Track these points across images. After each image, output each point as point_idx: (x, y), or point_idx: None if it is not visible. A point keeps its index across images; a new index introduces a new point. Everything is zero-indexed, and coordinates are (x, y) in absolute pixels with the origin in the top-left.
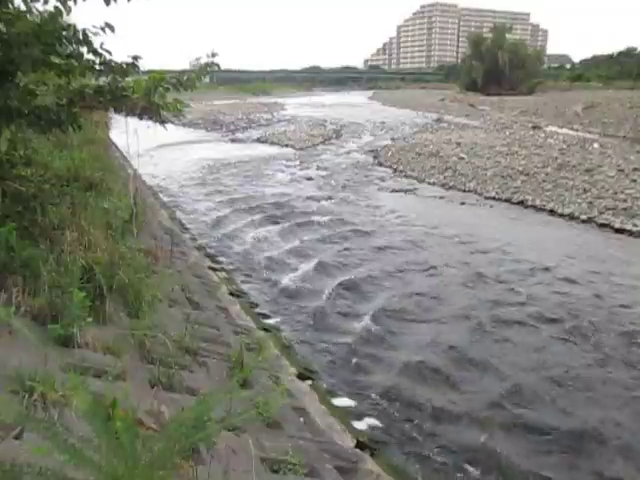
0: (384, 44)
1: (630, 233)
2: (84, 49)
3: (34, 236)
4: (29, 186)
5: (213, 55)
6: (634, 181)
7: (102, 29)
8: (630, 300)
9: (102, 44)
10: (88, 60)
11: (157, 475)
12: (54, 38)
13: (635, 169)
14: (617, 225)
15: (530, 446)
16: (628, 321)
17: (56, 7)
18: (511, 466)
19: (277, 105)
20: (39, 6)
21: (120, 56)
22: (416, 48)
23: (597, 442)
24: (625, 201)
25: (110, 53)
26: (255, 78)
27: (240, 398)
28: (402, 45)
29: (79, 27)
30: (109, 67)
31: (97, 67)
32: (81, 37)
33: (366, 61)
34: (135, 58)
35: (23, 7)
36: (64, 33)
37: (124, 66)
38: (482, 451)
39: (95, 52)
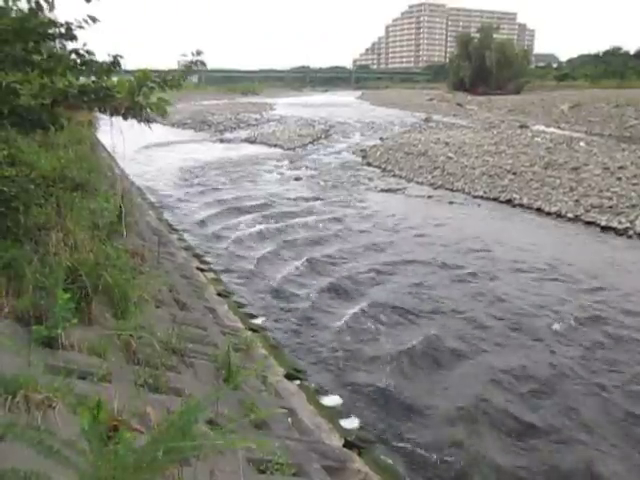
0: (373, 44)
1: (616, 231)
2: (67, 44)
3: (18, 237)
4: (12, 186)
5: (198, 53)
6: (619, 179)
7: (85, 21)
8: (612, 295)
9: (85, 44)
10: (70, 59)
11: (142, 478)
12: (36, 35)
13: (620, 167)
14: (603, 223)
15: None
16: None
17: (37, 2)
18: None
19: (266, 105)
20: (22, 5)
21: (104, 56)
22: (404, 48)
23: None
24: (611, 199)
25: (92, 53)
26: (244, 78)
27: (228, 399)
28: (391, 45)
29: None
30: (91, 66)
31: (79, 67)
32: (64, 31)
33: (355, 61)
34: (116, 57)
35: (2, 4)
36: (49, 30)
37: (106, 65)
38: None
39: (77, 52)
